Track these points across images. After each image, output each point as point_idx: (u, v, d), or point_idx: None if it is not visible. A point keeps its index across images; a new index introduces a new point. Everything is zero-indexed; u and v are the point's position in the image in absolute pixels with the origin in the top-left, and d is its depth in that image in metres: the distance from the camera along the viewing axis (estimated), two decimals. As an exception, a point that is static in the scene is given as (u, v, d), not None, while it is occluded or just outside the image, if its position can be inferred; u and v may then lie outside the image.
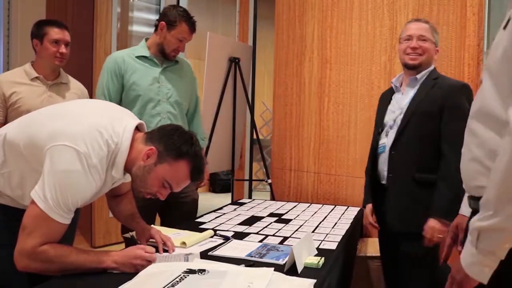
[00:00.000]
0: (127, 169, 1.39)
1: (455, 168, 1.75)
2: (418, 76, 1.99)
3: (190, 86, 2.44)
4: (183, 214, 2.25)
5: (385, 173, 2.01)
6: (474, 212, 1.21)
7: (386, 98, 2.14)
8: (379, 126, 2.09)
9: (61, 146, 1.24)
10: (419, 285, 1.92)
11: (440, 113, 1.88)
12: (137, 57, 2.27)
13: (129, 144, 1.36)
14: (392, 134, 1.99)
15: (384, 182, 2.03)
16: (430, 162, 1.89)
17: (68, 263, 1.26)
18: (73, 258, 1.26)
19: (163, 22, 2.25)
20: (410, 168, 1.92)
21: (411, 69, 2.00)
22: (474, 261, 1.01)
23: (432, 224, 1.82)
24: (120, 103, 2.24)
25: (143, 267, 1.30)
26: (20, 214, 1.28)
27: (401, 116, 1.98)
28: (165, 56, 2.29)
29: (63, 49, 2.20)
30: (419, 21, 2.03)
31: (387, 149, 2.00)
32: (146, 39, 2.35)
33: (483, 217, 0.98)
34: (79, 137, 1.26)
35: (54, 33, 2.19)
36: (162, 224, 2.39)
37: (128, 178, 1.44)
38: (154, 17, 4.55)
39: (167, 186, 1.39)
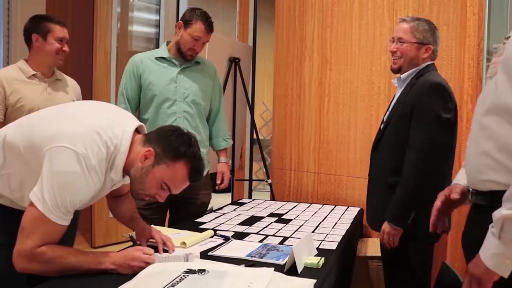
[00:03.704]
0: (126, 171, 1.38)
1: (408, 174, 1.76)
2: (402, 76, 1.94)
3: (212, 87, 2.45)
4: (189, 215, 2.26)
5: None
6: (475, 206, 1.21)
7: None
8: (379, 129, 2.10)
9: (60, 147, 1.24)
10: (404, 284, 1.90)
11: (410, 116, 1.81)
12: (156, 58, 2.32)
13: (128, 146, 1.35)
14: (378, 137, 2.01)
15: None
16: (402, 166, 1.82)
17: (67, 264, 1.26)
18: (72, 259, 1.26)
19: (180, 22, 2.31)
20: (384, 171, 1.91)
21: (394, 72, 1.99)
22: (495, 252, 1.01)
23: (384, 226, 1.83)
24: (138, 102, 2.33)
25: (141, 268, 1.30)
26: (19, 215, 1.27)
27: (386, 118, 1.98)
28: (182, 56, 2.31)
29: (66, 47, 2.20)
30: (402, 21, 1.95)
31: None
32: (168, 42, 2.40)
33: (509, 207, 0.99)
34: (78, 139, 1.25)
35: (59, 31, 2.18)
36: (169, 221, 2.41)
37: (127, 180, 1.44)
38: (154, 17, 4.55)
39: (166, 188, 1.38)
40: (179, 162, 1.36)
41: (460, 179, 1.36)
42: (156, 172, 1.35)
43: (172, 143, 1.36)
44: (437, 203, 1.37)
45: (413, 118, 1.80)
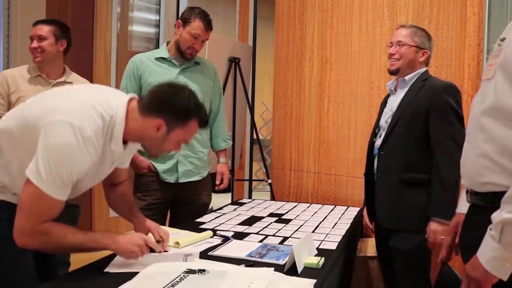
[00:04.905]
0: (127, 140, 1.39)
1: (446, 170, 1.82)
2: (407, 78, 2.02)
3: (212, 87, 2.45)
4: (190, 215, 2.26)
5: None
6: (474, 206, 1.21)
7: (384, 102, 2.19)
8: (375, 128, 2.14)
9: (55, 121, 1.23)
10: (411, 279, 1.95)
11: (426, 114, 1.91)
12: (156, 58, 2.32)
13: (124, 116, 1.35)
14: (383, 135, 2.04)
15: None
16: (416, 162, 1.92)
17: (68, 242, 1.26)
18: (74, 237, 1.27)
19: (179, 21, 2.31)
20: (397, 168, 1.96)
21: (392, 74, 2.05)
22: (495, 255, 1.01)
23: (434, 227, 1.85)
24: None
25: (138, 256, 1.32)
26: None
27: (391, 117, 2.02)
28: (182, 55, 2.31)
29: (33, 44, 2.18)
30: (402, 27, 2.06)
31: (377, 149, 2.06)
32: (168, 42, 2.39)
33: (509, 210, 0.99)
34: (72, 112, 1.25)
35: (32, 30, 2.20)
36: (170, 221, 2.41)
37: (129, 151, 1.45)
38: (154, 17, 4.55)
39: (182, 143, 1.45)
40: (190, 120, 1.39)
41: (463, 207, 1.39)
42: (172, 137, 1.39)
43: (178, 107, 1.37)
44: (448, 239, 1.47)
45: (435, 116, 1.89)
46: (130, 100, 1.40)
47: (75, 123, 1.23)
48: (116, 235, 1.34)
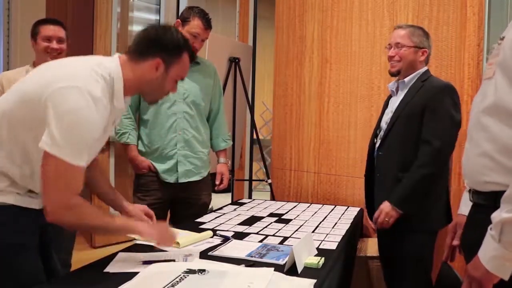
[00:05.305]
0: (126, 94, 1.40)
1: (424, 162, 1.86)
2: (406, 79, 2.03)
3: (212, 87, 2.45)
4: (190, 215, 2.25)
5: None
6: (476, 205, 1.22)
7: (386, 103, 2.19)
8: (376, 129, 2.14)
9: (60, 88, 1.21)
10: (412, 279, 1.95)
11: (422, 115, 1.91)
12: None
13: (121, 70, 1.36)
14: (382, 135, 2.05)
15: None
16: (412, 163, 1.92)
17: (98, 221, 1.29)
18: (104, 217, 1.30)
19: (178, 20, 2.31)
20: (394, 168, 1.97)
21: (393, 76, 2.06)
22: (495, 255, 1.01)
23: (383, 206, 1.90)
24: (139, 103, 2.33)
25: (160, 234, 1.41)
26: (30, 215, 1.25)
27: (390, 118, 2.03)
28: None
29: (54, 44, 2.21)
30: (399, 28, 2.06)
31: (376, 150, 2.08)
32: None
33: (508, 210, 0.99)
34: (75, 77, 1.24)
35: (46, 30, 2.22)
36: (170, 221, 2.41)
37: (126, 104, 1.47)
38: (154, 17, 4.55)
39: (178, 79, 1.48)
40: (183, 53, 1.44)
41: (463, 207, 1.40)
42: (171, 74, 1.43)
43: (170, 43, 1.41)
44: (449, 241, 1.51)
45: (428, 115, 1.90)
46: (118, 57, 1.42)
47: (82, 86, 1.22)
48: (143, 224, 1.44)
